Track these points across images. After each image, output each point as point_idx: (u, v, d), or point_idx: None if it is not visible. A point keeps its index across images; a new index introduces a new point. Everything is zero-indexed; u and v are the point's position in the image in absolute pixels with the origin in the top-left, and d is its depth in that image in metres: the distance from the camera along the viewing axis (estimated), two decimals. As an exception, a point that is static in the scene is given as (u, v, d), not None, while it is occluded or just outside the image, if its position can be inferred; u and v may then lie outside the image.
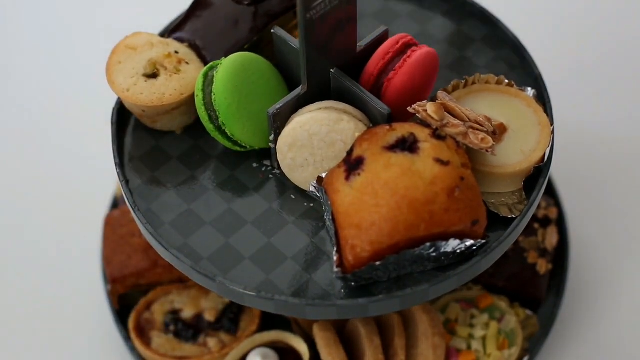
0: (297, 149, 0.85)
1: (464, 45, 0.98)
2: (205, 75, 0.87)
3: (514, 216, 0.85)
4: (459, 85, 0.89)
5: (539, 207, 1.05)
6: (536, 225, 1.04)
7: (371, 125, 0.86)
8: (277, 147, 0.86)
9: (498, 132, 0.86)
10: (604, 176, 1.16)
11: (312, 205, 0.88)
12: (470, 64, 0.97)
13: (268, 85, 0.89)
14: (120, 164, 0.91)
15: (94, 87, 1.18)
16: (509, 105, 0.88)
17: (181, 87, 0.89)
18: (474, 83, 0.90)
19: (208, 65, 0.88)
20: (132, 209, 0.87)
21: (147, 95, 0.88)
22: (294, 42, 0.88)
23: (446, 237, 0.80)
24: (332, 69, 0.86)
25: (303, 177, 0.87)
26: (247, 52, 0.88)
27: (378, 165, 0.79)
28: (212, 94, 0.86)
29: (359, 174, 0.79)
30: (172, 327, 1.00)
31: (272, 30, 0.89)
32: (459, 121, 0.82)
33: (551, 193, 1.09)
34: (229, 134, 0.87)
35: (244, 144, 0.88)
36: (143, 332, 1.00)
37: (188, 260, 0.84)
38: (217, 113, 0.86)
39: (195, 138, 0.93)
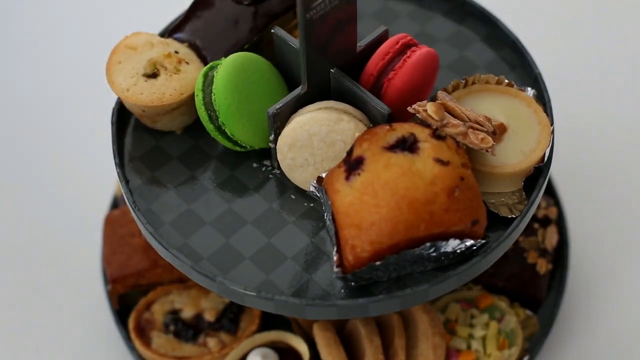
0: (297, 149, 0.85)
1: (464, 45, 0.98)
2: (205, 75, 0.87)
3: (514, 216, 0.85)
4: (459, 85, 0.89)
5: (539, 207, 1.05)
6: (536, 225, 1.04)
7: (371, 125, 0.86)
8: (277, 147, 0.86)
9: (498, 132, 0.86)
10: (604, 176, 1.16)
11: (312, 205, 0.88)
12: (470, 64, 0.97)
13: (268, 85, 0.89)
14: (120, 164, 0.91)
15: (94, 87, 1.17)
16: (509, 105, 0.88)
17: (181, 87, 0.89)
18: (474, 83, 0.90)
19: (208, 65, 0.88)
20: (132, 209, 0.87)
21: (147, 95, 0.88)
22: (294, 42, 0.88)
23: (446, 237, 0.80)
24: (332, 69, 0.86)
25: (303, 177, 0.87)
26: (247, 52, 0.88)
27: (378, 165, 0.79)
28: (212, 94, 0.86)
29: (359, 174, 0.79)
30: (172, 327, 1.00)
31: (272, 30, 0.89)
32: (459, 121, 0.82)
33: (551, 193, 1.09)
34: (229, 134, 0.87)
35: (244, 144, 0.88)
36: (143, 332, 1.00)
37: (188, 260, 0.84)
38: (217, 113, 0.86)
39: (195, 138, 0.93)
